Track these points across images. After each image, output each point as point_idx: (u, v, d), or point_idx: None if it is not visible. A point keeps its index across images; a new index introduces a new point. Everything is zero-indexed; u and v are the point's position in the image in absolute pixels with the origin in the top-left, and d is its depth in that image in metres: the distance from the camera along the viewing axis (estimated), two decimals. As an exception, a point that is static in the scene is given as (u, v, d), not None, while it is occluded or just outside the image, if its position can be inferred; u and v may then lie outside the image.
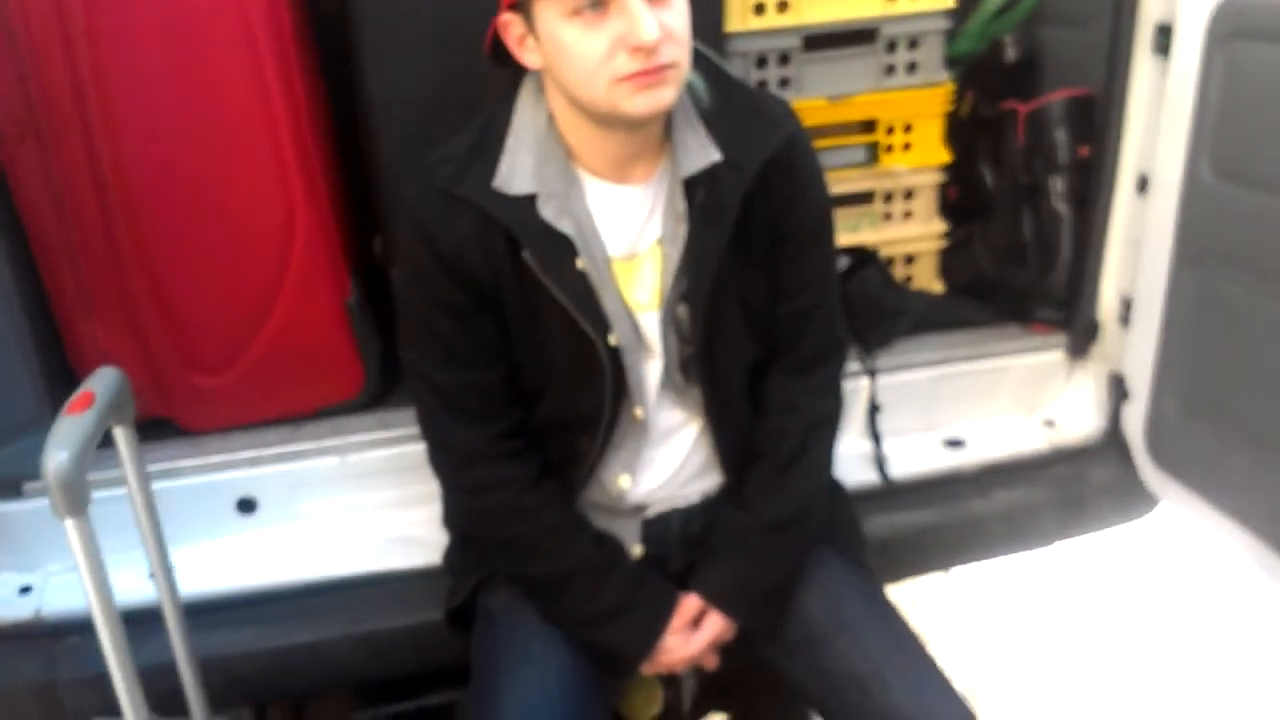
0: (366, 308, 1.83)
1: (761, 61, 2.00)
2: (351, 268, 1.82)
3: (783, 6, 1.96)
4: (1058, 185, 2.03)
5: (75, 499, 1.12)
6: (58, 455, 1.12)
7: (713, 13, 1.90)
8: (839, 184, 2.10)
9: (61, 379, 1.72)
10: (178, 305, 1.70)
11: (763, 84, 2.01)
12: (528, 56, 1.28)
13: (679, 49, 1.22)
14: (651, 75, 1.19)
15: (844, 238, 2.14)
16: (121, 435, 1.35)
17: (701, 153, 1.34)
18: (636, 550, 1.49)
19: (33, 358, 1.68)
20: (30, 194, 1.63)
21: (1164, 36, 1.76)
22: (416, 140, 1.62)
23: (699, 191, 1.35)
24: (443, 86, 1.63)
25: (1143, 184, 1.87)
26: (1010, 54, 2.21)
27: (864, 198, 2.16)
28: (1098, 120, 1.94)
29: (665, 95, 1.22)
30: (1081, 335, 2.03)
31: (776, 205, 1.39)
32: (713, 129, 1.35)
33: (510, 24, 1.27)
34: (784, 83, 2.02)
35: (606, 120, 1.27)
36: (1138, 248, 1.88)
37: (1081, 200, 2.01)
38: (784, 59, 2.00)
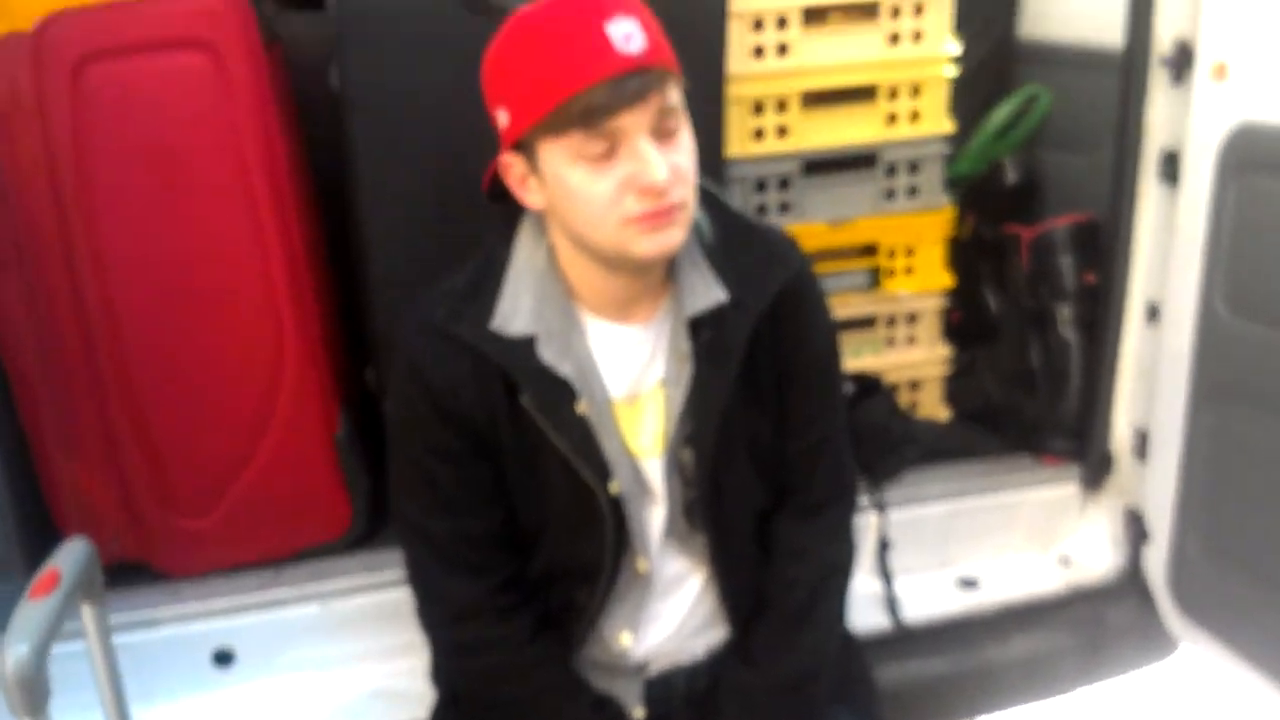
0: (355, 442, 1.77)
1: (761, 186, 1.98)
2: (341, 399, 1.75)
3: (782, 132, 1.96)
4: (1065, 312, 1.99)
5: (35, 698, 1.03)
6: (17, 650, 1.03)
7: (712, 138, 1.89)
8: (840, 308, 2.07)
9: (35, 520, 1.64)
10: (161, 443, 1.63)
11: (762, 209, 1.99)
12: (530, 197, 1.24)
13: (687, 188, 1.20)
14: (661, 217, 1.16)
15: (847, 363, 2.09)
16: (88, 613, 1.26)
17: (707, 293, 1.30)
18: (639, 713, 1.39)
19: (4, 497, 1.60)
20: (10, 325, 1.58)
21: (1171, 164, 1.75)
22: (411, 271, 1.59)
23: (704, 332, 1.30)
24: (439, 218, 1.60)
25: (1153, 313, 1.83)
26: (1011, 177, 2.21)
27: (866, 322, 2.12)
28: (1104, 247, 1.92)
29: (674, 236, 1.19)
30: (1095, 468, 1.97)
31: (783, 342, 1.35)
32: (718, 267, 1.31)
33: (512, 165, 1.23)
34: (784, 207, 2.00)
35: (613, 261, 1.23)
36: (1151, 379, 1.84)
37: (1090, 327, 1.97)
38: (784, 183, 1.99)
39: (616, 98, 1.11)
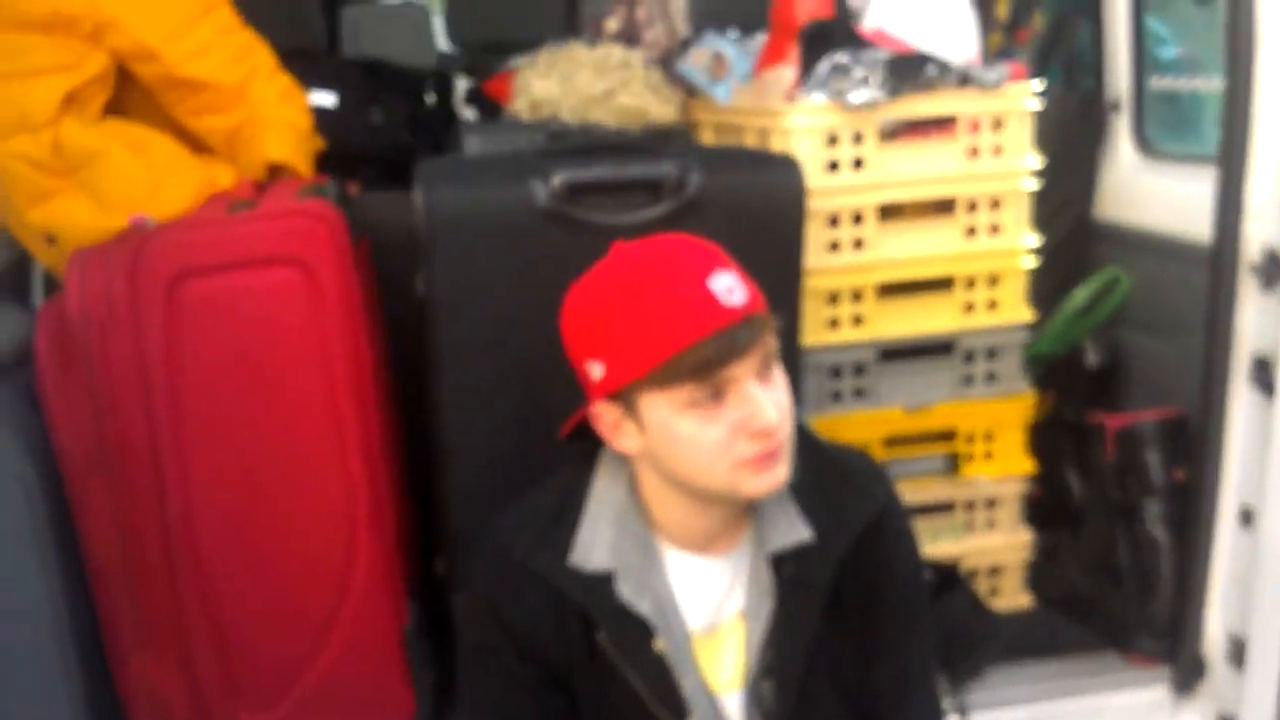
0: (423, 634, 1.75)
1: (836, 372, 1.96)
2: (410, 591, 1.75)
3: (857, 321, 1.95)
4: (1153, 509, 1.93)
5: None
6: None
7: (788, 328, 1.88)
8: (918, 494, 2.02)
9: (108, 713, 1.64)
10: (232, 638, 1.63)
11: (837, 395, 1.97)
12: (625, 443, 1.24)
13: (789, 424, 1.22)
14: (772, 456, 1.19)
15: (924, 549, 2.04)
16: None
17: (791, 529, 1.29)
18: None
19: (77, 690, 1.60)
20: (95, 525, 1.60)
21: (1264, 371, 1.70)
22: (490, 473, 1.59)
23: (787, 566, 1.29)
24: (519, 423, 1.60)
25: (1247, 517, 1.76)
26: (1092, 359, 2.17)
27: (944, 508, 2.07)
28: (1193, 445, 1.85)
29: (782, 472, 1.21)
30: (1187, 672, 1.88)
31: (868, 570, 1.33)
32: (802, 501, 1.30)
33: (604, 414, 1.24)
34: (859, 393, 1.98)
35: (714, 499, 1.23)
36: (1247, 584, 1.76)
37: (1180, 526, 1.89)
38: (859, 370, 1.97)
39: (727, 350, 1.15)
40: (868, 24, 1.99)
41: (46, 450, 1.58)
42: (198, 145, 2.10)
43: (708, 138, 2.27)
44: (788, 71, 1.90)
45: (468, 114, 2.74)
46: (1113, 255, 2.23)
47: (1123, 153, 2.27)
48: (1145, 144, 2.25)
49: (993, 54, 2.36)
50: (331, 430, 1.56)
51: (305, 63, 2.59)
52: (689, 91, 2.32)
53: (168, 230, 1.52)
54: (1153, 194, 2.18)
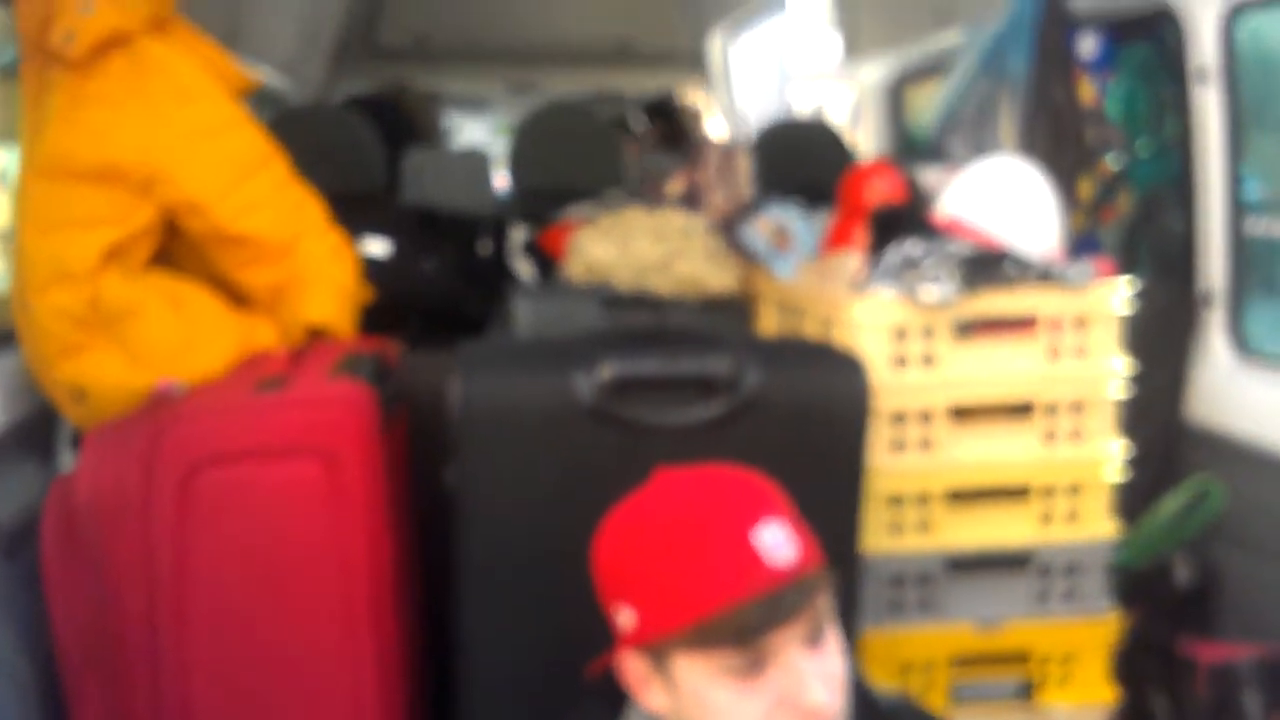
0: None
1: (898, 582, 1.80)
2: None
3: (923, 527, 1.79)
4: (1254, 761, 1.71)
5: None
6: None
7: (848, 534, 1.73)
8: (986, 720, 1.82)
9: None
10: None
11: (899, 606, 1.80)
12: (652, 700, 1.10)
13: (840, 696, 1.06)
14: None
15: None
16: None
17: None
18: None
19: None
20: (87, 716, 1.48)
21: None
22: (508, 694, 1.45)
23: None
24: (545, 643, 1.47)
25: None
26: (1181, 576, 1.98)
27: (1016, 738, 1.86)
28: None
29: None
30: None
31: None
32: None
33: (632, 665, 1.10)
34: (923, 606, 1.80)
35: None
36: None
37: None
38: (924, 580, 1.80)
39: (771, 615, 1.01)
40: (942, 211, 1.89)
41: (43, 635, 1.48)
42: (240, 295, 2.06)
43: (768, 313, 2.16)
44: (854, 258, 1.79)
45: (523, 264, 2.68)
46: (1206, 462, 2.05)
47: (1217, 351, 2.11)
48: (1243, 343, 2.09)
49: (1076, 235, 2.24)
50: (344, 639, 1.44)
51: (361, 209, 2.58)
52: (750, 259, 2.23)
53: (190, 417, 1.43)
54: (1252, 400, 2.01)
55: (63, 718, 1.50)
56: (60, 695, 1.48)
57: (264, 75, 3.87)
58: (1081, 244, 2.19)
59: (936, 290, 1.68)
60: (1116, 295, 1.76)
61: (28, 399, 1.90)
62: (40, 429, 1.91)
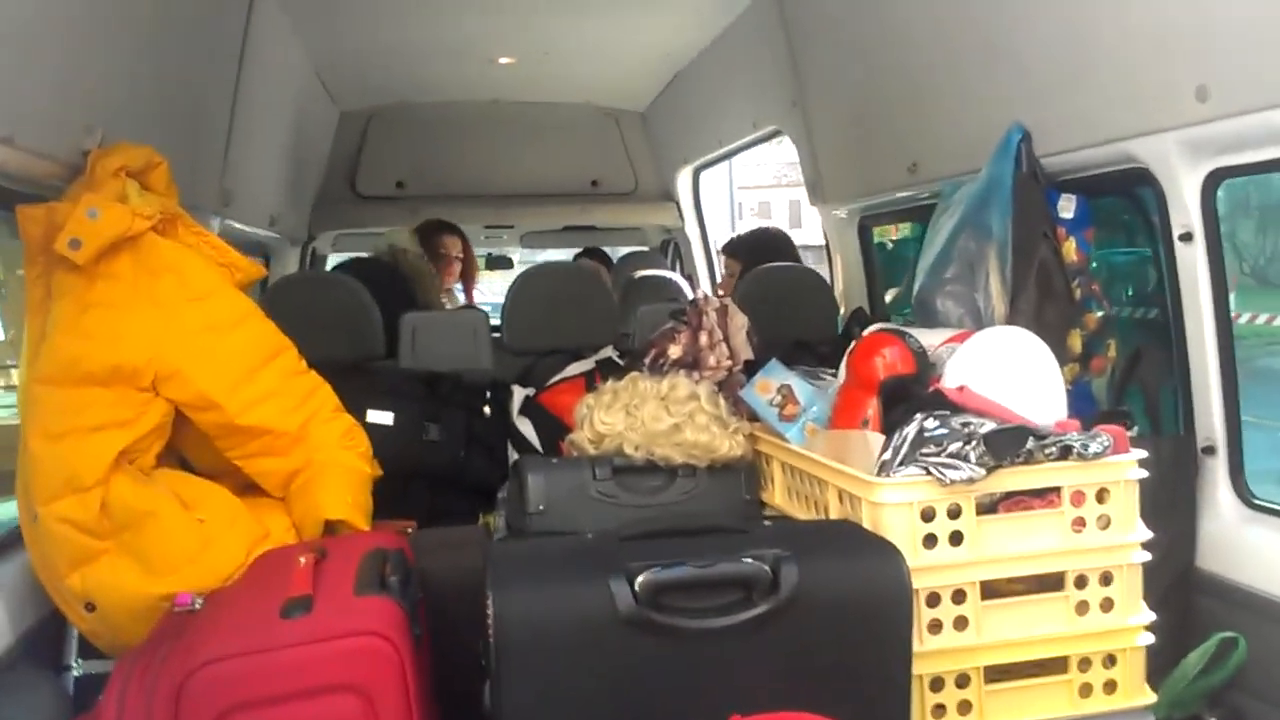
0: None
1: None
2: None
3: (965, 708, 1.76)
4: None
5: None
6: None
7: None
8: None
9: None
10: None
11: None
12: None
13: None
14: None
15: None
16: None
17: None
18: None
19: None
20: None
21: None
22: None
23: None
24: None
25: None
26: (1212, 730, 1.95)
27: None
28: None
29: None
30: None
31: None
32: None
33: None
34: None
35: None
36: None
37: None
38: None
39: None
40: (949, 380, 1.92)
41: None
42: (250, 484, 2.02)
43: (778, 474, 2.17)
44: (875, 438, 1.81)
45: (524, 424, 2.67)
46: (1222, 612, 2.05)
47: (1222, 502, 2.14)
48: (1247, 494, 2.13)
49: (1070, 383, 2.29)
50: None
51: (365, 380, 2.57)
52: (752, 418, 2.25)
53: (218, 654, 1.37)
54: (1262, 553, 2.03)
55: None
56: None
57: (254, 231, 3.91)
58: (1075, 395, 2.23)
59: (963, 471, 1.70)
60: (1133, 466, 1.79)
61: (35, 607, 1.83)
62: (48, 638, 1.84)
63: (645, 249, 5.68)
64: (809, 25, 3.42)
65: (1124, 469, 1.78)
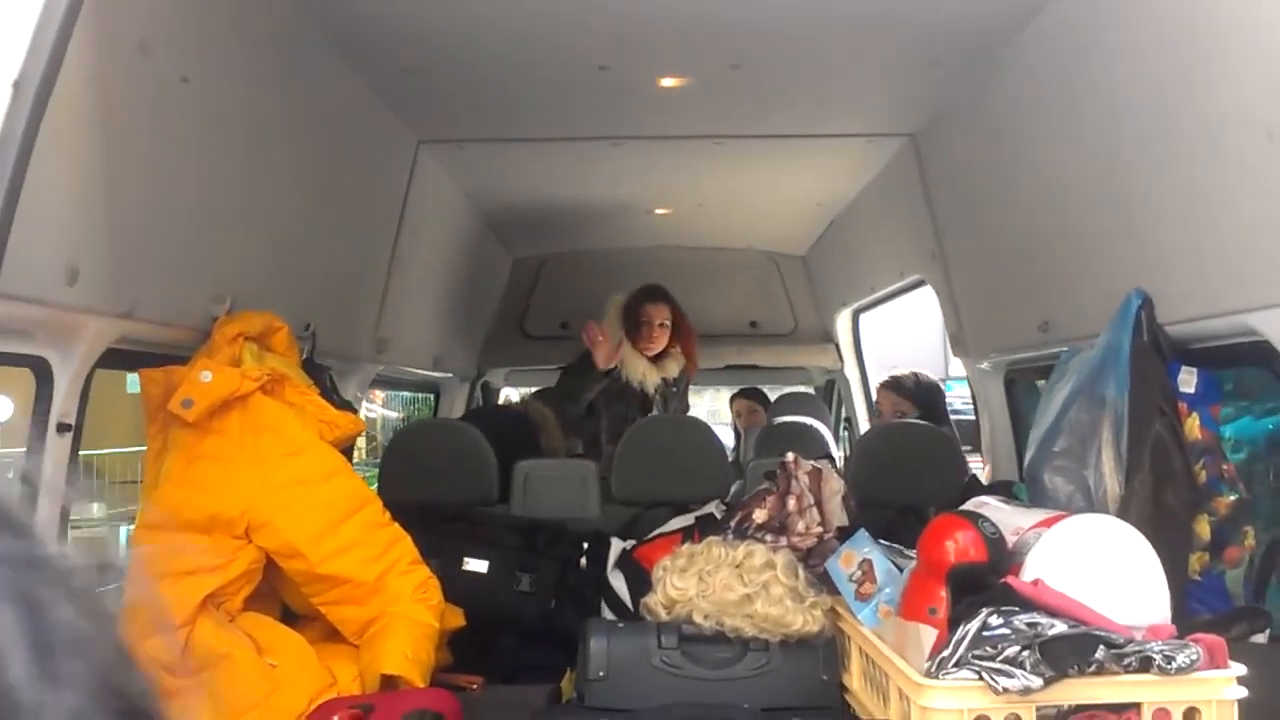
0: None
1: None
2: None
3: None
4: None
5: None
6: None
7: None
8: None
9: None
10: None
11: None
12: None
13: None
14: None
15: None
16: None
17: None
18: None
19: None
20: None
21: None
22: None
23: None
24: None
25: None
26: None
27: None
28: None
29: None
30: None
31: None
32: None
33: None
34: None
35: None
36: None
37: None
38: None
39: None
40: (1028, 571, 1.77)
41: None
42: (331, 628, 2.13)
43: (855, 658, 2.05)
44: (928, 631, 1.69)
45: (617, 579, 2.67)
46: None
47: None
48: None
49: (1198, 574, 2.05)
50: None
51: (467, 527, 2.67)
52: (837, 592, 2.14)
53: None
54: None
55: None
56: None
57: (414, 371, 4.20)
58: (1204, 589, 2.00)
59: (1017, 680, 1.55)
60: (1230, 684, 1.57)
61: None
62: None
63: (802, 389, 5.62)
64: (945, 179, 3.38)
65: (1219, 687, 1.57)
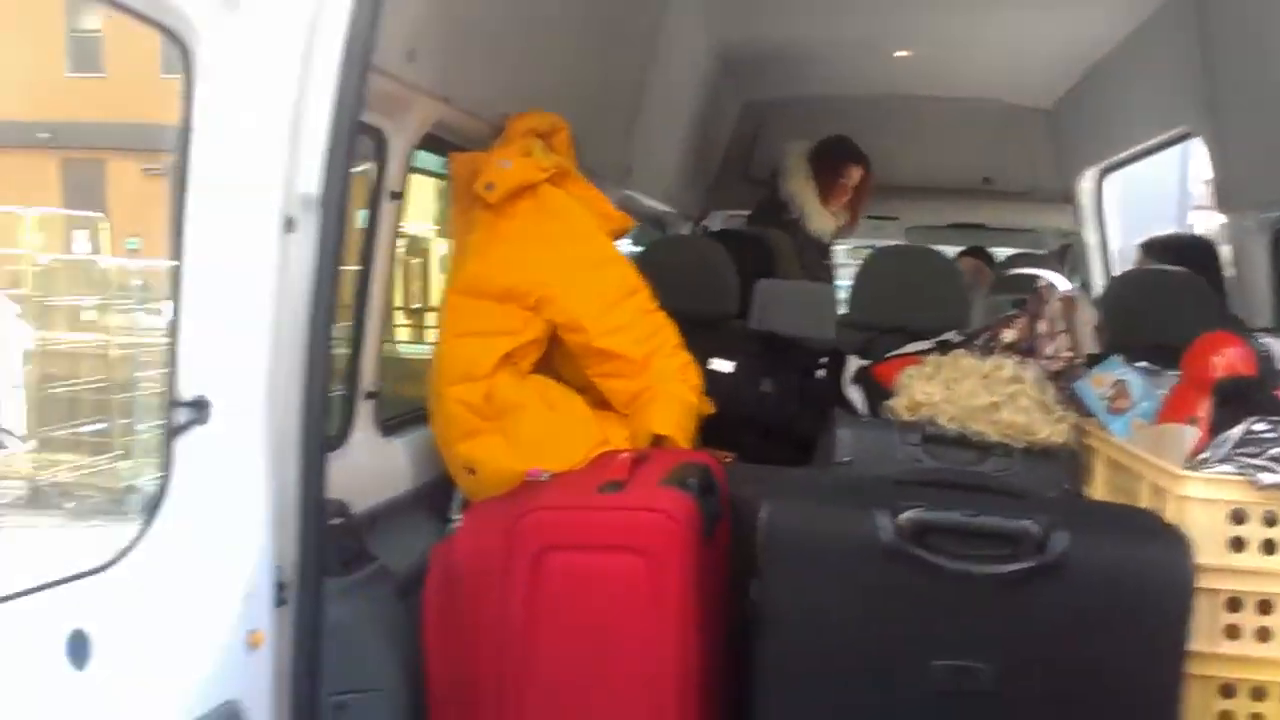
0: None
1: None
2: None
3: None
4: None
5: None
6: None
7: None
8: None
9: None
10: None
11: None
12: None
13: None
14: None
15: None
16: None
17: None
18: None
19: None
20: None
21: None
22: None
23: None
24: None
25: None
26: None
27: None
28: None
29: None
30: None
31: None
32: None
33: None
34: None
35: None
36: None
37: None
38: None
39: None
40: (1301, 387, 1.77)
41: (420, 667, 1.79)
42: (603, 400, 2.38)
43: (1100, 470, 2.11)
44: (1191, 430, 1.73)
45: (854, 393, 2.79)
46: None
47: None
48: None
49: None
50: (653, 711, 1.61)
51: (713, 331, 2.85)
52: (1084, 412, 2.19)
53: (544, 506, 1.71)
54: None
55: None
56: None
57: (651, 203, 4.39)
58: None
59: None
60: None
61: (430, 468, 2.32)
62: (438, 494, 2.32)
63: (1037, 252, 5.45)
64: (1228, 20, 3.15)
65: None
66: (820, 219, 4.16)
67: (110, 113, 15.95)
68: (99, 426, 8.59)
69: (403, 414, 2.46)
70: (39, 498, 8.29)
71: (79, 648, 1.14)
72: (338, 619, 1.55)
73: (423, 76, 2.01)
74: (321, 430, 1.47)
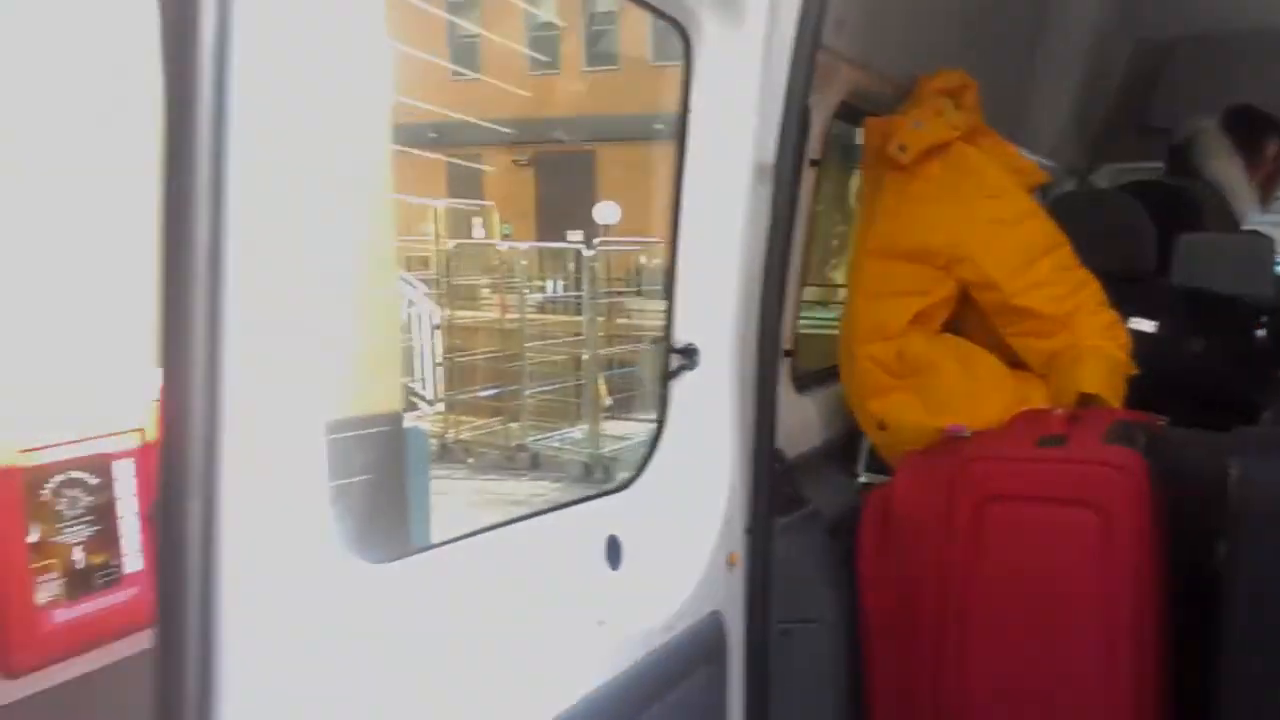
0: None
1: None
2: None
3: None
4: None
5: None
6: None
7: None
8: None
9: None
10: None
11: None
12: None
13: None
14: None
15: None
16: None
17: None
18: None
19: None
20: (879, 677, 1.87)
21: None
22: None
23: None
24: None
25: None
26: None
27: None
28: None
29: None
30: None
31: None
32: None
33: None
34: None
35: None
36: None
37: None
38: None
39: None
40: None
41: (854, 602, 1.90)
42: (1015, 361, 2.34)
43: None
44: None
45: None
46: None
47: None
48: None
49: None
50: (1104, 666, 1.61)
51: (1130, 289, 2.69)
52: None
53: (983, 456, 1.74)
54: None
55: (864, 672, 1.90)
56: (860, 651, 1.89)
57: (1035, 158, 4.19)
58: None
59: None
60: None
61: (840, 422, 2.42)
62: (848, 446, 2.42)
63: None
64: None
65: None
66: (1247, 199, 3.67)
67: (486, 111, 17.62)
68: (493, 391, 9.68)
69: (815, 371, 2.58)
70: (446, 454, 9.50)
71: (614, 551, 1.36)
72: (784, 554, 1.68)
73: (849, 45, 2.09)
74: (775, 379, 1.61)
